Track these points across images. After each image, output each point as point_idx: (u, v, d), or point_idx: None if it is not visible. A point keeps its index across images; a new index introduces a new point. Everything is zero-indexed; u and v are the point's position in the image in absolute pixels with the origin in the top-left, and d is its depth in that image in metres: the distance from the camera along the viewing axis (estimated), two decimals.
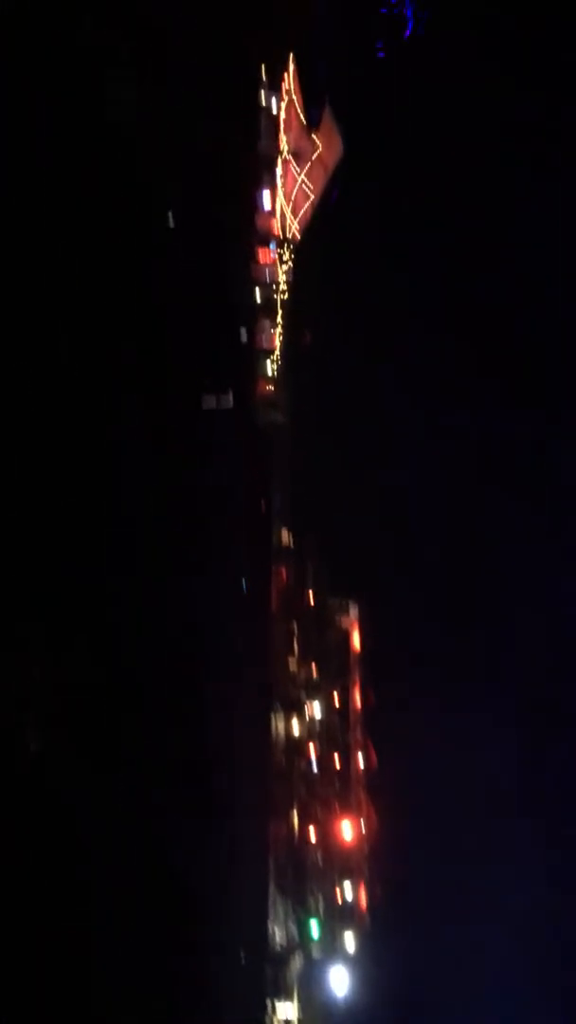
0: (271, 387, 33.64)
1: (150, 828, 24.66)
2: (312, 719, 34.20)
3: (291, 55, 32.46)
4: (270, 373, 33.44)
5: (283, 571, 33.65)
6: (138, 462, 27.13)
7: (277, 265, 34.56)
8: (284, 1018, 29.41)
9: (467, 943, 28.69)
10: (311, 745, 32.98)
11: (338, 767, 33.39)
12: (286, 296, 35.49)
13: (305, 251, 34.97)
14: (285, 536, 33.07)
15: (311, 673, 33.72)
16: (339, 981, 29.42)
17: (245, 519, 30.86)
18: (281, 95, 33.59)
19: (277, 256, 34.54)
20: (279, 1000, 28.13)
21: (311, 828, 31.61)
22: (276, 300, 35.48)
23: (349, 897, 30.99)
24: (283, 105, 33.26)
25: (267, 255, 34.07)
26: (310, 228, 34.63)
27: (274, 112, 34.30)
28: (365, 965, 29.84)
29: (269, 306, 34.51)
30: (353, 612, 34.33)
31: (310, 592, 34.18)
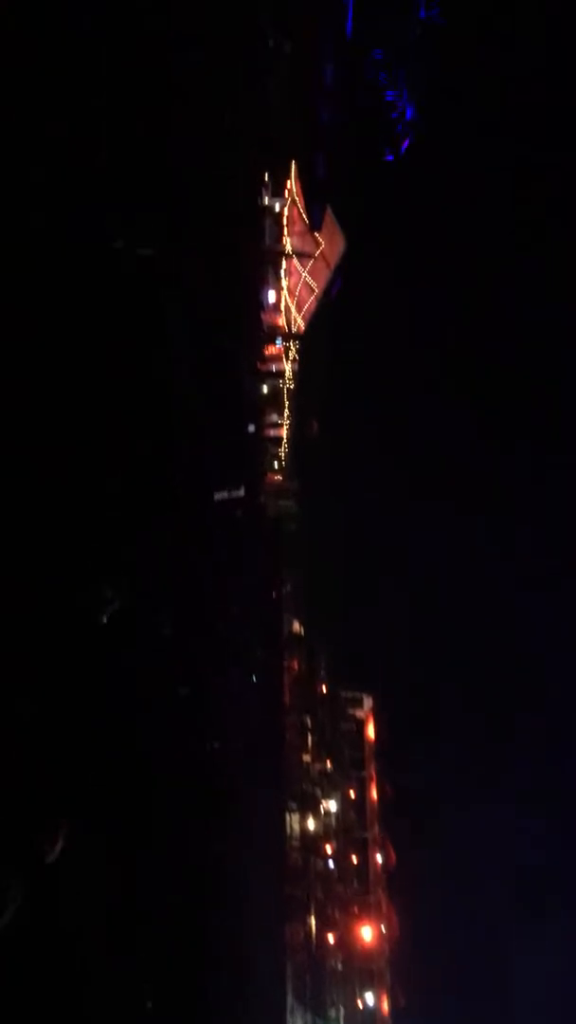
0: (280, 477, 33.85)
1: (162, 937, 23.75)
2: (328, 814, 33.30)
3: (293, 160, 33.64)
4: (279, 463, 33.71)
5: (295, 661, 33.25)
6: (148, 554, 27.07)
7: (283, 358, 35.19)
8: None
9: None
10: (327, 843, 32.03)
11: (356, 864, 32.36)
12: (292, 387, 36.05)
13: (310, 344, 35.63)
14: (296, 626, 32.80)
15: (326, 766, 32.99)
16: None
17: (256, 609, 30.62)
18: (284, 197, 34.72)
19: (283, 349, 35.20)
20: None
21: (329, 931, 30.42)
22: (283, 392, 36.04)
23: (371, 1003, 29.64)
24: (286, 206, 34.33)
25: (273, 349, 34.73)
26: (314, 322, 35.34)
27: (277, 211, 35.43)
28: None
29: (276, 398, 35.02)
30: (367, 703, 33.79)
31: (322, 683, 33.73)
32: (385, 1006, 29.57)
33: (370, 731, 33.69)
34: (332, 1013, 28.61)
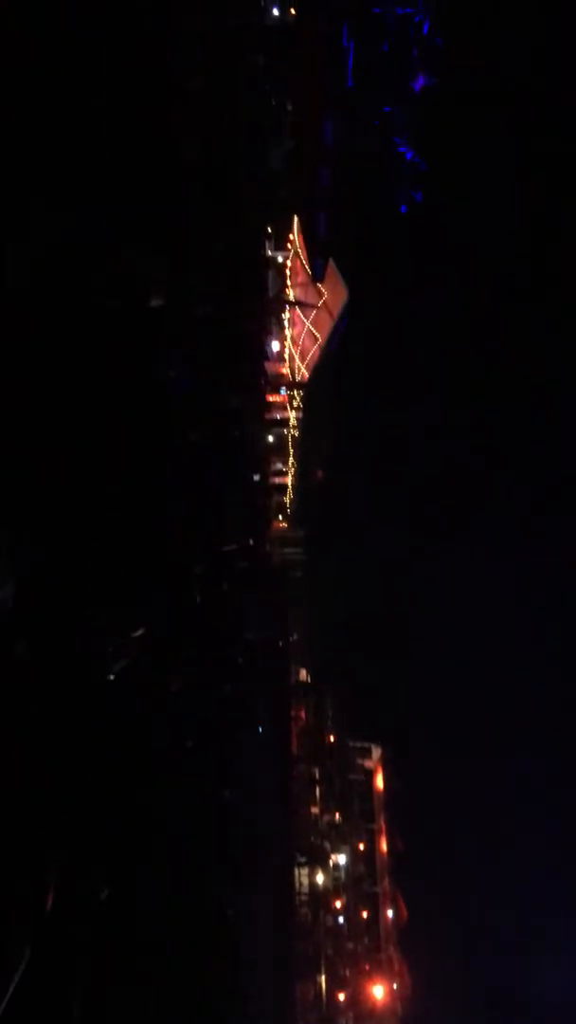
0: (285, 524, 33.84)
1: (172, 991, 23.13)
2: (337, 868, 32.70)
3: (295, 215, 34.19)
4: (284, 511, 33.72)
5: (302, 711, 32.92)
6: (150, 603, 26.90)
7: (287, 407, 35.41)
8: None
9: None
10: (337, 898, 31.39)
11: (366, 920, 31.67)
12: (297, 435, 36.22)
13: (313, 392, 35.86)
14: (303, 675, 32.53)
15: (334, 818, 32.46)
16: None
17: (262, 659, 30.36)
18: (287, 249, 35.24)
19: (287, 398, 35.44)
20: None
21: (340, 989, 29.67)
22: (287, 440, 36.20)
23: None
24: (289, 257, 34.83)
25: (277, 398, 34.98)
26: (317, 370, 35.63)
27: (279, 262, 35.93)
28: None
29: (281, 446, 35.16)
30: (376, 753, 33.34)
31: (330, 733, 33.33)
32: None
33: (379, 782, 33.19)
34: None
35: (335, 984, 29.63)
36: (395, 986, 29.93)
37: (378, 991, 29.57)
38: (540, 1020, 26.98)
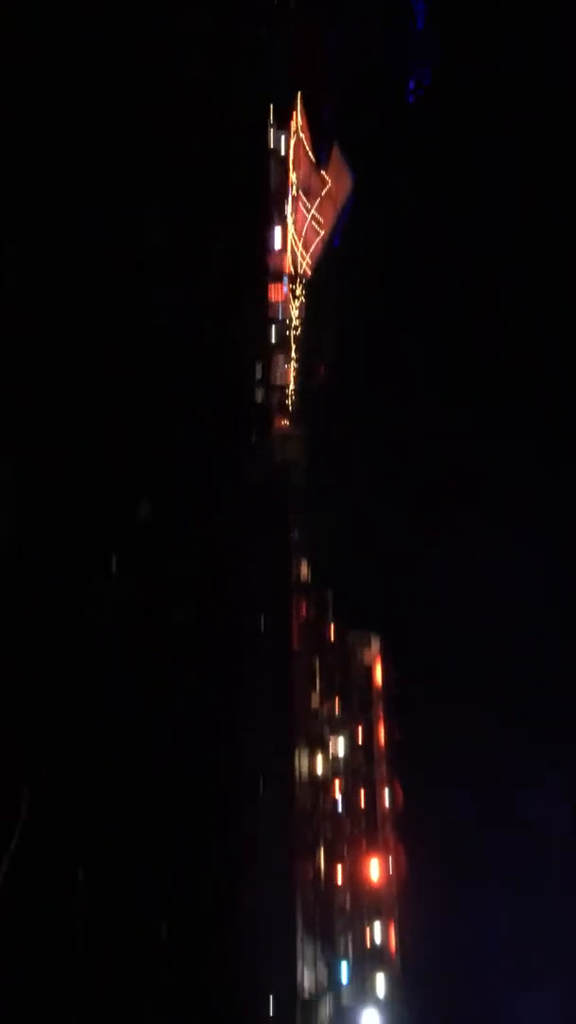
0: (287, 422, 33.64)
1: (177, 872, 24.25)
2: (336, 757, 33.70)
3: (299, 95, 32.90)
4: (285, 409, 33.49)
5: (303, 605, 33.40)
6: (154, 499, 27.03)
7: (290, 301, 34.75)
8: None
9: (505, 988, 27.87)
10: (336, 783, 32.47)
11: (364, 805, 32.80)
12: (299, 332, 35.66)
13: (317, 286, 35.17)
14: (304, 570, 32.87)
15: (334, 709, 33.30)
16: None
17: (264, 554, 30.67)
18: (289, 134, 34.01)
19: (290, 292, 34.75)
20: None
21: (338, 868, 30.99)
22: (289, 336, 35.65)
23: (379, 939, 30.27)
24: (292, 143, 33.65)
25: (279, 292, 34.28)
26: (321, 263, 34.85)
27: (282, 152, 34.71)
28: (397, 1009, 29.03)
29: (283, 342, 34.66)
30: (375, 645, 33.95)
31: (331, 626, 33.89)
32: (393, 939, 30.19)
33: (378, 674, 33.93)
34: (341, 945, 29.32)
35: (333, 863, 30.94)
36: (390, 864, 31.22)
37: (374, 868, 30.85)
38: (527, 889, 28.18)
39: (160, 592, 26.25)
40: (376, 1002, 29.39)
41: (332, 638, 34.33)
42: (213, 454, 27.90)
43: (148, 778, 23.32)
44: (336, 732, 32.75)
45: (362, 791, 32.72)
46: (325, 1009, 29.43)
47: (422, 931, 29.75)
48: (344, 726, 33.10)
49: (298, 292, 34.85)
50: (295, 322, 35.57)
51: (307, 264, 34.43)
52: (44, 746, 21.09)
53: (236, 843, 26.72)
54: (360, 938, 30.19)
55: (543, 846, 29.26)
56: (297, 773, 31.57)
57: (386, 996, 29.53)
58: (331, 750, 33.25)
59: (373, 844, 31.65)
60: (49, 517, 22.53)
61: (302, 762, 32.04)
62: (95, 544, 24.12)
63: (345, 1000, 29.75)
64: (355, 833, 31.85)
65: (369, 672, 34.63)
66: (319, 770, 32.77)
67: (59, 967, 19.92)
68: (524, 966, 29.23)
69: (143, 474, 26.13)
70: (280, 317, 34.60)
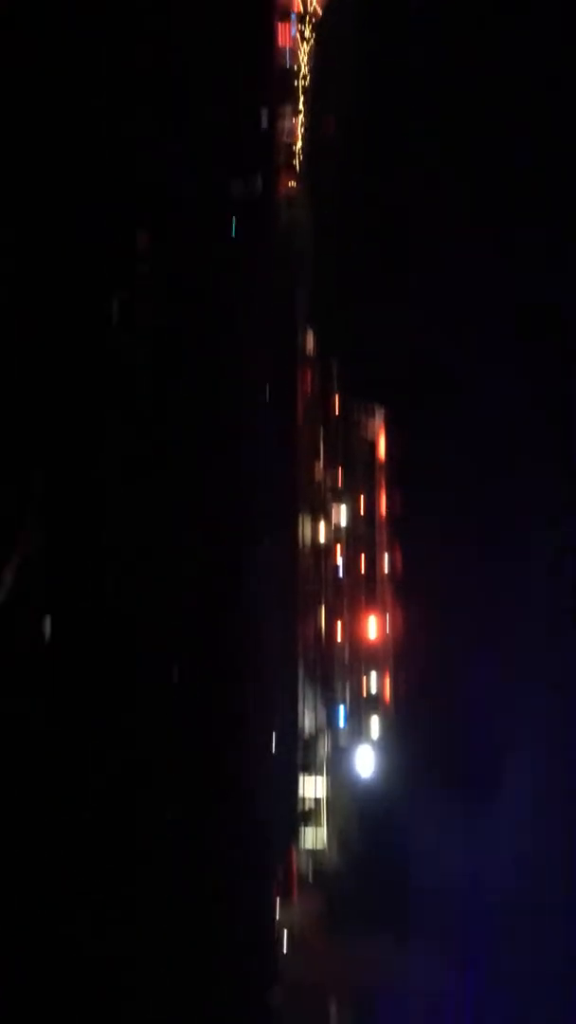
0: (293, 182, 32.03)
1: (189, 625, 25.50)
2: (338, 527, 34.75)
3: None
4: (292, 166, 31.77)
5: (307, 376, 33.28)
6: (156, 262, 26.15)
7: (298, 44, 32.11)
8: (314, 796, 31.56)
9: (491, 735, 29.78)
10: (337, 548, 33.70)
11: (364, 569, 34.17)
12: (308, 81, 33.22)
13: (328, 28, 32.38)
14: (309, 339, 32.48)
15: (337, 479, 33.98)
16: (364, 762, 31.25)
17: (268, 322, 30.15)
18: None
19: (299, 34, 32.04)
20: (309, 777, 30.17)
21: (338, 626, 32.78)
22: (298, 86, 33.25)
23: (374, 689, 32.45)
24: None
25: (287, 33, 31.59)
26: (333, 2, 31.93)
27: None
28: (389, 748, 31.57)
29: (290, 92, 32.36)
30: (379, 416, 34.06)
31: (335, 397, 33.90)
32: (387, 689, 32.36)
33: (381, 447, 34.26)
34: (339, 691, 31.61)
35: (333, 621, 32.71)
36: (387, 623, 32.91)
37: (372, 627, 32.55)
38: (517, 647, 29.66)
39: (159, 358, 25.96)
40: (370, 742, 31.96)
41: (336, 410, 34.44)
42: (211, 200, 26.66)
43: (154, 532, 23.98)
44: (339, 500, 33.61)
45: (362, 556, 33.98)
46: (324, 748, 32.11)
47: (414, 681, 31.78)
48: (346, 495, 33.90)
49: (307, 34, 32.14)
50: (303, 70, 33.05)
51: (317, 1, 31.55)
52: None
53: (242, 599, 28.07)
54: (357, 687, 32.43)
55: (535, 608, 30.49)
56: (300, 539, 32.76)
57: (379, 738, 32.06)
58: (333, 519, 34.26)
59: (372, 604, 33.22)
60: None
61: (305, 529, 33.15)
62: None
63: (342, 742, 32.39)
64: (355, 594, 33.41)
65: (372, 445, 34.94)
66: (321, 537, 33.96)
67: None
68: (511, 715, 31.16)
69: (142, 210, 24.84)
70: (287, 63, 32.11)
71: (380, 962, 26.21)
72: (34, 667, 19.62)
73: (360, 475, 34.23)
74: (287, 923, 27.89)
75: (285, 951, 27.63)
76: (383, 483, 34.20)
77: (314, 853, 31.02)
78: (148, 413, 25.21)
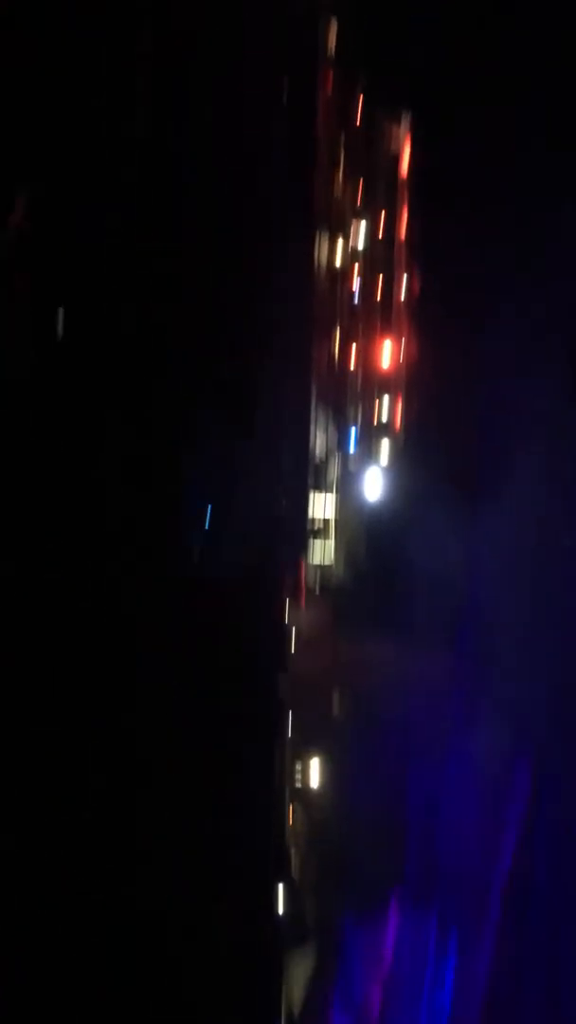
0: None
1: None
2: (355, 249, 33.55)
3: None
4: None
5: (328, 80, 30.80)
6: None
7: None
8: (323, 516, 32.76)
9: (493, 453, 29.99)
10: (355, 269, 32.74)
11: (381, 294, 33.37)
12: None
13: None
14: (332, 33, 29.75)
15: (357, 194, 32.34)
16: (373, 485, 32.15)
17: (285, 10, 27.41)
18: None
19: None
20: (319, 495, 31.21)
21: (352, 350, 32.50)
22: None
23: (386, 414, 32.72)
24: None
25: None
26: None
27: None
28: (398, 472, 32.34)
29: None
30: (405, 127, 31.82)
31: (359, 100, 31.52)
32: (399, 414, 32.60)
33: (406, 159, 32.25)
34: (351, 414, 31.91)
35: (347, 345, 32.41)
36: (402, 349, 32.59)
37: (386, 352, 32.27)
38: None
39: None
40: (379, 466, 32.69)
41: (358, 119, 32.14)
42: None
43: None
44: (359, 216, 32.18)
45: (380, 280, 33.03)
46: (334, 471, 32.89)
47: (426, 407, 31.96)
48: (366, 213, 32.41)
49: None
50: None
51: None
52: None
53: (257, 325, 27.66)
54: (369, 413, 32.67)
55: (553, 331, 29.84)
56: (316, 260, 31.70)
57: (389, 462, 32.73)
58: (351, 239, 32.97)
59: (387, 330, 32.73)
60: None
61: (322, 249, 31.99)
62: None
63: (352, 465, 33.11)
64: (370, 320, 32.82)
65: (396, 159, 32.89)
66: (338, 259, 32.83)
67: None
68: (518, 431, 30.98)
69: None
70: None
71: (381, 660, 28.35)
72: None
73: (381, 192, 32.50)
74: (295, 624, 29.86)
75: (293, 649, 29.79)
76: (405, 201, 32.56)
77: (321, 568, 32.60)
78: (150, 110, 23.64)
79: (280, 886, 28.13)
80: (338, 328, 31.91)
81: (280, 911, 26.49)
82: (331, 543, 31.90)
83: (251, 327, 26.72)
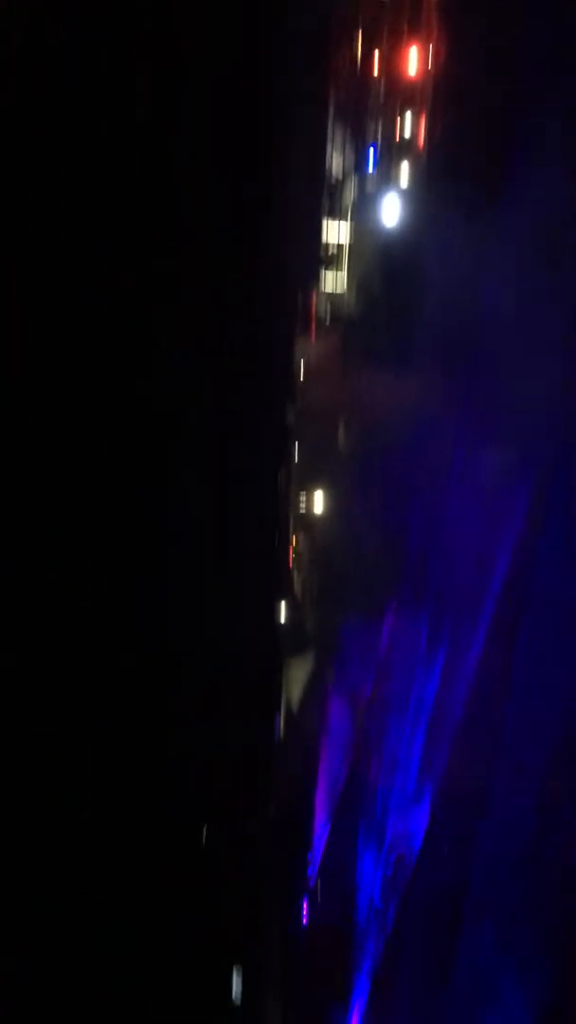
0: None
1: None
2: None
3: None
4: None
5: None
6: None
7: None
8: (336, 241, 31.58)
9: None
10: None
11: None
12: None
13: None
14: None
15: None
16: (390, 209, 30.61)
17: None
18: None
19: None
20: (332, 222, 29.89)
21: (375, 56, 29.75)
22: None
23: (408, 132, 30.52)
24: None
25: None
26: None
27: None
28: (416, 198, 30.69)
29: None
30: None
31: None
32: (422, 133, 30.37)
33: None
34: (370, 131, 29.75)
35: (370, 51, 29.63)
36: (430, 60, 29.77)
37: (412, 62, 29.58)
38: None
39: None
40: (398, 190, 30.94)
41: None
42: None
43: None
44: None
45: None
46: (350, 193, 31.28)
47: (453, 123, 29.61)
48: None
49: None
50: None
51: None
52: None
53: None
54: (390, 129, 30.43)
55: None
56: None
57: (409, 185, 30.92)
58: None
59: (415, 32, 29.70)
60: None
61: None
62: None
63: (369, 187, 31.37)
64: (398, 19, 29.68)
65: None
66: None
67: None
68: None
69: None
70: None
71: (388, 392, 28.50)
72: None
73: None
74: (303, 355, 29.81)
75: (302, 380, 29.96)
76: None
77: (333, 297, 31.92)
78: None
79: (283, 601, 30.30)
80: (360, 30, 28.94)
81: (281, 621, 28.74)
82: (344, 272, 30.97)
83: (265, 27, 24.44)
